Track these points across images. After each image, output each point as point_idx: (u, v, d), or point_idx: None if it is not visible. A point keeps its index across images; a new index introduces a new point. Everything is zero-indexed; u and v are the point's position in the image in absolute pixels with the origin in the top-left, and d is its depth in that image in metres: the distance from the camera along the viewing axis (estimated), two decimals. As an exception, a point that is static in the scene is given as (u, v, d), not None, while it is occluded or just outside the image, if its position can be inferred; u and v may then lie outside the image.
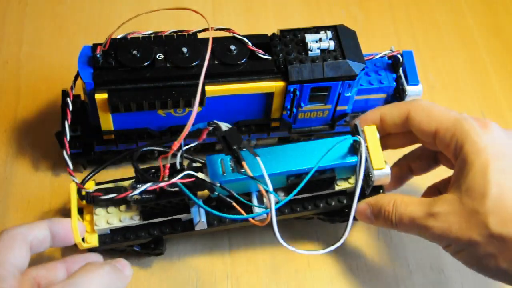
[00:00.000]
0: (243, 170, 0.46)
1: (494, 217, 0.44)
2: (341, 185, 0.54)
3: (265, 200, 0.52)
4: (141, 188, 0.47)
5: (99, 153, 0.59)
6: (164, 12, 0.75)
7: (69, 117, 0.54)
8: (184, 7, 0.53)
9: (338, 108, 0.59)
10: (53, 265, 0.47)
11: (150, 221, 0.51)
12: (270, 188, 0.46)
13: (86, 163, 0.61)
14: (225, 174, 0.50)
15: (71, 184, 0.51)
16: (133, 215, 0.51)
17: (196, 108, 0.44)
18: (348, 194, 0.55)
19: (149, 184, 0.47)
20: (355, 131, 0.53)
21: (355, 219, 0.53)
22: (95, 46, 0.54)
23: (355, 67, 0.55)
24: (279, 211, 0.54)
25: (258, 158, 0.46)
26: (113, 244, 0.52)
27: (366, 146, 0.51)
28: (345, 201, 0.55)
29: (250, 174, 0.46)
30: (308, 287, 0.57)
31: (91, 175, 0.52)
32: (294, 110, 0.58)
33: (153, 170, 0.50)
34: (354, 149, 0.52)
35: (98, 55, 0.52)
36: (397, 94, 0.61)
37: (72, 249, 0.51)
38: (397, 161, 0.58)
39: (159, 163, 0.48)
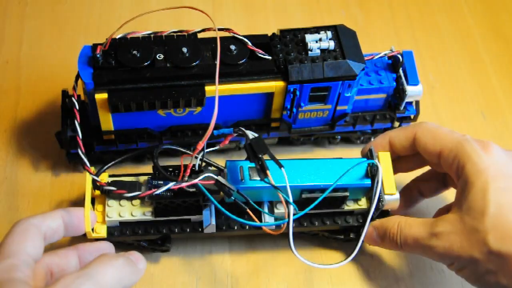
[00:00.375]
0: (266, 179, 0.47)
1: (493, 234, 0.46)
2: (350, 206, 0.55)
3: (276, 210, 0.53)
4: (165, 187, 0.47)
5: (99, 153, 0.59)
6: (164, 12, 0.75)
7: (77, 116, 0.53)
8: (186, 6, 0.53)
9: (338, 108, 0.59)
10: (65, 253, 0.47)
11: (161, 218, 0.52)
12: (291, 199, 0.47)
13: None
14: (243, 180, 0.50)
15: (86, 174, 0.51)
16: (146, 211, 0.51)
17: (216, 110, 0.46)
18: (356, 215, 0.56)
19: (172, 183, 0.47)
20: (370, 155, 0.54)
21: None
22: (95, 46, 0.54)
23: (355, 67, 0.55)
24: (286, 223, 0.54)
25: (283, 169, 0.47)
26: (121, 237, 0.52)
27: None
28: (351, 221, 0.55)
29: (273, 183, 0.47)
30: (307, 287, 0.57)
31: (107, 166, 0.53)
32: (294, 110, 0.58)
33: (171, 169, 0.51)
34: (368, 172, 0.53)
35: (98, 55, 0.52)
36: (397, 94, 0.61)
37: (80, 238, 0.51)
38: (407, 184, 0.60)
39: (181, 162, 0.49)
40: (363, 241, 0.54)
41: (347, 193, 0.53)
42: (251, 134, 0.48)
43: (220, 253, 0.58)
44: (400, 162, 0.57)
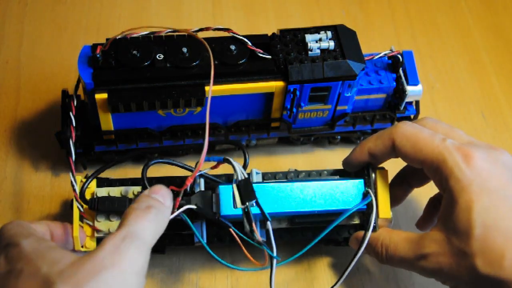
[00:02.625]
0: (251, 229, 0.47)
1: (481, 258, 0.44)
2: (343, 222, 0.53)
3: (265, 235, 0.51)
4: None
5: (99, 153, 0.59)
6: (164, 12, 0.75)
7: (73, 135, 0.53)
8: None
9: (338, 108, 0.59)
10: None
11: None
12: (275, 253, 0.47)
13: (86, 163, 0.61)
14: (235, 208, 0.49)
15: (74, 200, 0.50)
16: None
17: (207, 143, 0.45)
18: (348, 228, 0.55)
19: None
20: (366, 173, 0.53)
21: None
22: (95, 46, 0.54)
23: (355, 67, 0.55)
24: (279, 237, 0.54)
25: (268, 223, 0.47)
26: None
27: (376, 193, 0.52)
28: (343, 235, 0.55)
29: (259, 238, 0.47)
30: (307, 287, 0.57)
31: (89, 180, 0.51)
32: (294, 110, 0.58)
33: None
34: (363, 194, 0.53)
35: (98, 55, 0.52)
36: (397, 94, 0.61)
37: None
38: (393, 179, 0.57)
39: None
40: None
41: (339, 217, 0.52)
42: (240, 172, 0.47)
43: (220, 253, 0.57)
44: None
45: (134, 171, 0.62)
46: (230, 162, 0.48)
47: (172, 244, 0.53)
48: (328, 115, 0.60)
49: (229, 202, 0.49)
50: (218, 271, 0.57)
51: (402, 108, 0.62)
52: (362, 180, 0.53)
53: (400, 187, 0.56)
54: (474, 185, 0.45)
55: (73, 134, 0.53)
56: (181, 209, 0.47)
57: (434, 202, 0.56)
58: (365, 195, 0.52)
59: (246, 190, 0.47)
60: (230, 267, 0.50)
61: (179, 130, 0.58)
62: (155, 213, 0.43)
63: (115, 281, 0.37)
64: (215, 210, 0.50)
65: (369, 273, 0.58)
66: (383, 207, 0.52)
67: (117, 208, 0.50)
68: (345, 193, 0.52)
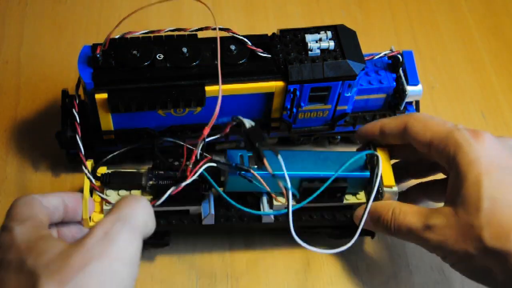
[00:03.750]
0: (263, 167, 0.46)
1: (488, 231, 0.45)
2: (349, 200, 0.55)
3: (275, 202, 0.52)
4: (183, 183, 0.47)
5: (99, 153, 0.59)
6: (164, 12, 0.75)
7: (78, 130, 0.54)
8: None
9: (338, 108, 0.59)
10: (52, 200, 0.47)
11: (160, 209, 0.51)
12: (289, 185, 0.47)
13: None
14: (248, 151, 0.50)
15: (87, 163, 0.51)
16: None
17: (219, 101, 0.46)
18: (355, 209, 0.55)
19: (185, 182, 0.47)
20: (368, 148, 0.54)
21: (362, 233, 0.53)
22: (95, 46, 0.54)
23: (355, 67, 0.55)
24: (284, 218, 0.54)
25: (279, 156, 0.47)
26: None
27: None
28: (349, 216, 0.55)
29: (270, 170, 0.46)
30: (308, 287, 0.57)
31: (105, 159, 0.52)
32: (294, 110, 0.58)
33: (171, 159, 0.51)
34: (367, 164, 0.53)
35: (98, 55, 0.52)
36: (397, 94, 0.61)
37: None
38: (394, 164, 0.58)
39: (184, 150, 0.49)
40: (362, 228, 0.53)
41: (346, 184, 0.52)
42: (248, 123, 0.47)
43: (220, 252, 0.58)
44: (392, 151, 0.56)
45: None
46: (237, 118, 0.48)
47: (180, 223, 0.52)
48: (328, 115, 0.60)
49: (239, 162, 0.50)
50: (218, 271, 0.57)
51: (402, 108, 0.62)
52: (369, 151, 0.54)
53: (399, 172, 0.56)
54: (483, 160, 0.46)
55: (79, 130, 0.53)
56: (204, 166, 0.47)
57: (422, 187, 0.57)
58: (368, 162, 0.53)
59: (255, 134, 0.47)
60: (246, 210, 0.49)
61: (179, 130, 0.58)
62: (146, 202, 0.42)
63: (104, 273, 0.36)
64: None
65: (369, 273, 0.58)
66: (387, 176, 0.53)
67: (129, 181, 0.50)
68: (352, 163, 0.52)
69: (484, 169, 0.46)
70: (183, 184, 0.47)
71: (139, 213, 0.41)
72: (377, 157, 0.52)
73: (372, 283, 0.57)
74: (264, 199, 0.53)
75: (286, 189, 0.47)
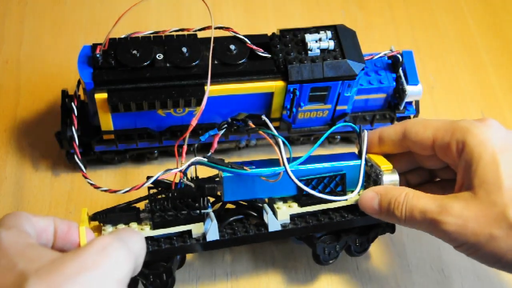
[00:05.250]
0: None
1: None
2: (354, 198, 0.52)
3: (277, 209, 0.51)
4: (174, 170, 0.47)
5: (99, 153, 0.59)
6: (164, 12, 0.75)
7: (75, 122, 0.54)
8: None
9: (338, 108, 0.59)
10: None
11: (160, 233, 0.49)
12: (275, 133, 0.47)
13: (86, 162, 0.61)
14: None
15: (82, 210, 0.49)
16: (143, 227, 0.49)
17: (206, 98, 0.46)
18: (355, 208, 0.53)
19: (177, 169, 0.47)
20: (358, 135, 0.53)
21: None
22: (95, 46, 0.54)
23: (355, 67, 0.55)
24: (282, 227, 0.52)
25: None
26: None
27: (370, 157, 0.52)
28: (347, 216, 0.52)
29: (265, 118, 0.47)
30: (307, 287, 0.57)
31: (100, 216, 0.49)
32: (294, 110, 0.58)
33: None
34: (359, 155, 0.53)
35: (98, 55, 0.52)
36: (397, 94, 0.61)
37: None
38: None
39: (175, 154, 0.49)
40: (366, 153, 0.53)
41: (344, 172, 0.51)
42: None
43: (220, 252, 0.58)
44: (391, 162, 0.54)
45: (134, 171, 0.62)
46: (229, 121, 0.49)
47: (184, 243, 0.49)
48: (328, 115, 0.60)
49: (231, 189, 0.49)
50: (218, 271, 0.57)
51: (402, 108, 0.62)
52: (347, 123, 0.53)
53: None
54: (495, 140, 0.46)
55: (75, 122, 0.53)
56: (190, 162, 0.47)
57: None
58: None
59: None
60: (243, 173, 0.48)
61: (179, 130, 0.58)
62: (144, 239, 0.43)
63: (94, 286, 0.35)
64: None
65: (369, 273, 0.58)
66: (382, 163, 0.51)
67: (124, 218, 0.49)
68: (345, 156, 0.53)
69: (498, 148, 0.45)
70: (174, 171, 0.47)
71: (138, 241, 0.41)
72: (360, 127, 0.52)
73: (372, 283, 0.57)
74: (266, 206, 0.51)
75: (277, 143, 0.47)
